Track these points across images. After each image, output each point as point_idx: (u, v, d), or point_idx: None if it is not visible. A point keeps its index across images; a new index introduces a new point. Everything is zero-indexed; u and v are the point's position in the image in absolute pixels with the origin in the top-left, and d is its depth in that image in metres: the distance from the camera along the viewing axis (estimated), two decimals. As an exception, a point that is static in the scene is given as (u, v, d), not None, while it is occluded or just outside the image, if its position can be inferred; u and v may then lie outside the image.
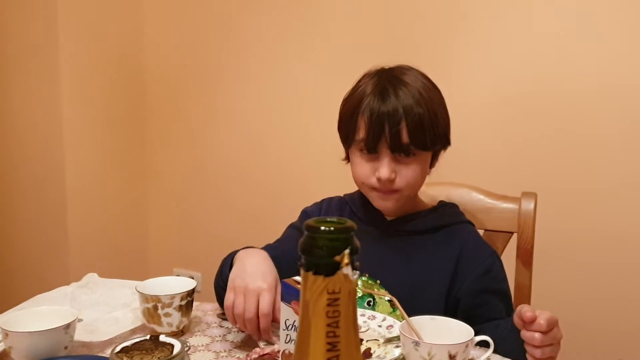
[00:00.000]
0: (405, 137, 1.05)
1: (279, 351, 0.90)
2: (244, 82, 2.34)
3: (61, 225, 2.31)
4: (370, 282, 1.13)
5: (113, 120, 2.43)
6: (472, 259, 1.13)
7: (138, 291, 1.04)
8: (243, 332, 1.04)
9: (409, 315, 1.00)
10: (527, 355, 0.92)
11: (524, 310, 0.91)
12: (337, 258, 0.43)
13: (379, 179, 1.07)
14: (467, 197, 1.37)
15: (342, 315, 0.43)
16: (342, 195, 1.28)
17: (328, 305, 0.43)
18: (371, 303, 1.12)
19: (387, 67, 1.15)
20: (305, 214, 1.26)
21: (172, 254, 2.63)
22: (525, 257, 1.32)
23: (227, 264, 1.11)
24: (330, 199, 1.27)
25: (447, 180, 1.37)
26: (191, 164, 2.51)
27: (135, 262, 2.62)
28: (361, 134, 1.08)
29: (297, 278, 0.86)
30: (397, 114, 1.04)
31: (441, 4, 1.95)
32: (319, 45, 2.16)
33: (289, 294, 0.84)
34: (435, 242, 1.15)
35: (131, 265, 2.59)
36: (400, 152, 1.07)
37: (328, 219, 0.44)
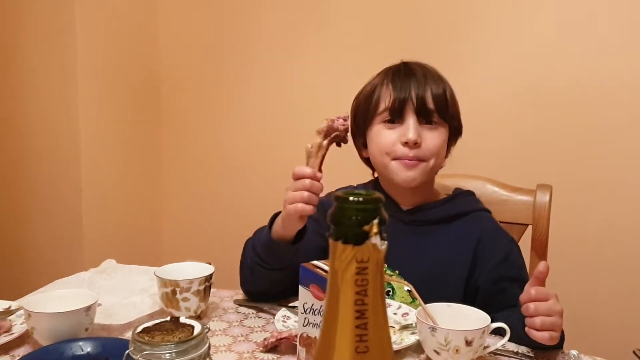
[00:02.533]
0: (430, 103, 1.09)
1: (296, 335, 0.91)
2: (259, 80, 2.34)
3: (76, 220, 2.32)
4: (389, 272, 1.13)
5: (128, 116, 2.45)
6: (490, 246, 1.13)
7: (157, 276, 1.05)
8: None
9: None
10: (527, 329, 0.91)
11: (524, 291, 0.92)
12: (366, 228, 0.44)
13: (405, 143, 1.08)
14: (482, 189, 1.37)
15: (371, 284, 0.44)
16: (354, 185, 1.28)
17: (357, 274, 0.44)
18: (390, 293, 1.12)
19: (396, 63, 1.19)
20: (321, 204, 1.25)
21: (185, 247, 2.64)
22: (539, 249, 1.32)
23: (258, 237, 1.12)
24: (345, 190, 1.28)
25: (462, 173, 1.37)
26: (206, 159, 2.52)
27: (148, 255, 2.63)
28: (385, 103, 1.11)
29: (316, 262, 0.87)
30: (423, 81, 1.10)
31: (451, 3, 1.95)
32: (336, 43, 2.17)
33: (308, 278, 0.85)
34: (453, 231, 1.15)
35: (145, 258, 2.60)
36: (425, 116, 1.10)
37: (356, 191, 0.44)
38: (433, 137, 1.10)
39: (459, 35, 1.96)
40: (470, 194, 1.24)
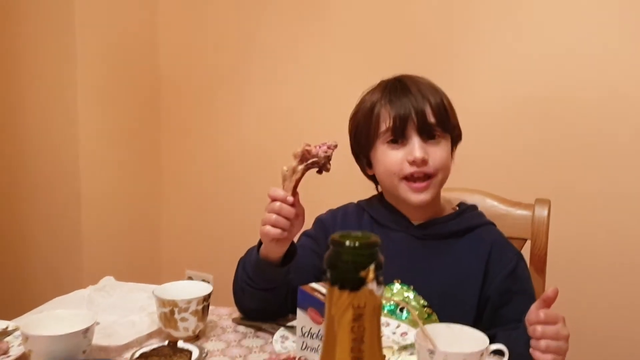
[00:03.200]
0: (430, 117, 1.10)
1: (294, 357, 0.91)
2: (260, 83, 2.34)
3: (75, 227, 2.32)
4: (403, 287, 1.13)
5: (128, 122, 2.45)
6: (499, 259, 1.14)
7: (155, 295, 1.05)
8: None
9: (443, 320, 1.02)
10: (531, 350, 0.91)
11: (529, 311, 0.92)
12: (363, 273, 0.44)
13: (412, 162, 1.09)
14: (482, 203, 1.37)
15: (367, 330, 0.44)
16: (355, 202, 1.28)
17: (353, 320, 0.44)
18: (403, 309, 1.12)
19: (387, 79, 1.19)
20: (320, 222, 1.26)
21: (184, 255, 2.64)
22: (538, 264, 1.32)
23: (248, 257, 1.12)
24: (345, 206, 1.27)
25: (461, 187, 1.37)
26: (205, 166, 2.52)
27: (148, 263, 2.63)
28: (386, 124, 1.11)
29: (314, 285, 0.87)
30: (421, 97, 1.11)
31: (451, 11, 1.95)
32: (335, 49, 2.16)
33: (306, 301, 0.85)
34: (464, 245, 1.15)
35: (144, 266, 2.61)
36: (427, 133, 1.10)
37: (353, 233, 0.44)
38: (438, 152, 1.11)
39: (456, 46, 1.95)
40: (475, 208, 1.24)
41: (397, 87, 1.14)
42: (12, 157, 2.37)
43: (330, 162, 1.03)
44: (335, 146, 1.02)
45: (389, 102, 1.11)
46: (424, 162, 1.09)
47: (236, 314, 1.18)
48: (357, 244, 0.44)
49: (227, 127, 2.44)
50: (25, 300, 2.34)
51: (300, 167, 1.02)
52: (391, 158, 1.11)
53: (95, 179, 2.33)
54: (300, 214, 1.06)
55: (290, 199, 1.02)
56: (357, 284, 0.44)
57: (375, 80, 1.22)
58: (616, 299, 1.79)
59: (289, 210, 1.02)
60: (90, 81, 2.27)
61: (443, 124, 1.12)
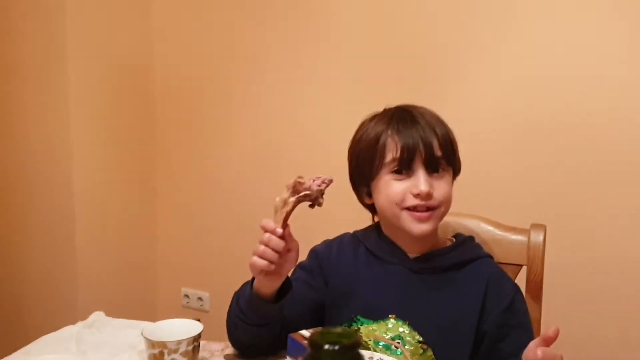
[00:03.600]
0: (437, 151, 1.09)
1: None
2: (255, 96, 2.33)
3: (70, 247, 2.31)
4: (398, 322, 1.11)
5: (121, 136, 2.43)
6: (496, 293, 1.12)
7: (144, 336, 1.03)
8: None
9: (439, 356, 1.03)
10: None
11: (527, 348, 0.90)
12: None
13: (417, 195, 1.08)
14: (477, 229, 1.36)
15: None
16: (351, 232, 1.26)
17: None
18: (400, 342, 1.10)
19: (391, 107, 1.17)
20: (315, 253, 1.24)
21: (180, 273, 2.62)
22: (534, 290, 1.30)
23: (242, 291, 1.11)
24: (341, 237, 1.26)
25: (456, 212, 1.35)
26: (200, 181, 2.50)
27: (144, 281, 2.62)
28: (392, 155, 1.09)
29: (304, 332, 0.86)
30: (428, 130, 1.10)
31: (449, 33, 1.94)
32: (332, 63, 2.15)
33: (296, 349, 0.83)
34: (460, 279, 1.14)
35: (140, 285, 2.59)
36: (433, 166, 1.09)
37: (332, 330, 0.42)
38: (442, 185, 1.10)
39: (451, 71, 1.94)
40: (472, 239, 1.23)
41: (405, 118, 1.12)
42: (1, 179, 2.36)
43: (323, 196, 1.01)
44: (331, 181, 1.01)
45: (397, 133, 1.10)
46: (429, 195, 1.08)
47: (229, 349, 1.17)
48: (337, 347, 0.42)
49: (223, 140, 2.43)
50: (20, 331, 2.34)
51: (292, 199, 1.00)
52: (395, 189, 1.10)
53: (88, 197, 2.31)
54: (292, 249, 1.04)
55: (280, 231, 1.00)
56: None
57: (373, 102, 1.21)
58: (613, 324, 1.77)
59: (278, 243, 1.00)
60: (84, 99, 2.25)
61: (448, 158, 1.11)
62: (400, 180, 1.10)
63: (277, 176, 2.30)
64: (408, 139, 1.08)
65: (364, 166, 1.14)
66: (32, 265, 2.37)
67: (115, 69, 2.37)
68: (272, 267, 1.00)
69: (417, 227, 1.09)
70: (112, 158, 2.41)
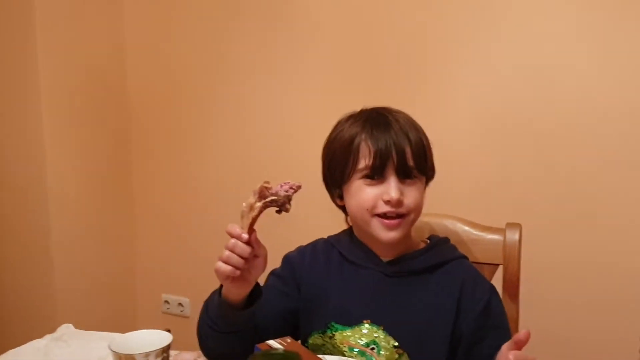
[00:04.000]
0: (410, 160, 1.07)
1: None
2: (231, 102, 2.31)
3: (45, 253, 2.27)
4: (373, 327, 1.09)
5: (96, 143, 2.40)
6: (471, 295, 1.11)
7: (111, 349, 1.00)
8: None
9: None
10: None
11: (500, 352, 0.89)
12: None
13: (388, 202, 1.06)
14: (452, 229, 1.35)
15: None
16: (325, 237, 1.24)
17: None
18: (374, 349, 1.08)
19: (367, 108, 1.15)
20: (288, 260, 1.22)
21: (160, 279, 2.59)
22: (511, 289, 1.29)
23: (211, 299, 1.09)
24: (314, 243, 1.24)
25: (431, 212, 1.34)
26: (179, 186, 2.47)
27: (124, 288, 2.58)
28: (365, 161, 1.07)
29: (271, 342, 0.84)
30: (402, 136, 1.08)
31: (425, 35, 1.92)
32: (311, 67, 2.13)
33: None
34: (434, 281, 1.12)
35: (119, 291, 2.56)
36: (404, 173, 1.08)
37: (273, 352, 0.40)
38: (413, 193, 1.09)
39: (427, 72, 1.93)
40: (447, 241, 1.21)
41: (380, 122, 1.09)
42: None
43: (291, 202, 0.99)
44: (299, 187, 0.99)
45: (371, 137, 1.07)
46: (399, 202, 1.06)
47: (201, 358, 1.14)
48: None
49: (200, 147, 2.40)
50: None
51: (258, 204, 0.98)
52: (366, 194, 1.08)
53: (64, 205, 2.28)
54: (260, 255, 1.02)
55: (245, 236, 0.98)
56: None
57: (352, 106, 1.18)
58: (590, 321, 1.77)
59: (243, 248, 0.98)
60: (56, 106, 2.22)
61: (420, 166, 1.09)
62: (371, 185, 1.08)
63: (256, 181, 2.27)
64: (381, 145, 1.06)
65: (336, 168, 1.12)
66: (7, 278, 2.33)
67: (87, 73, 2.33)
68: (238, 272, 0.98)
69: (387, 234, 1.08)
70: (88, 165, 2.37)
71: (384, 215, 1.07)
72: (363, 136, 1.08)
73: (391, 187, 1.06)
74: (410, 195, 1.08)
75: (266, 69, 2.21)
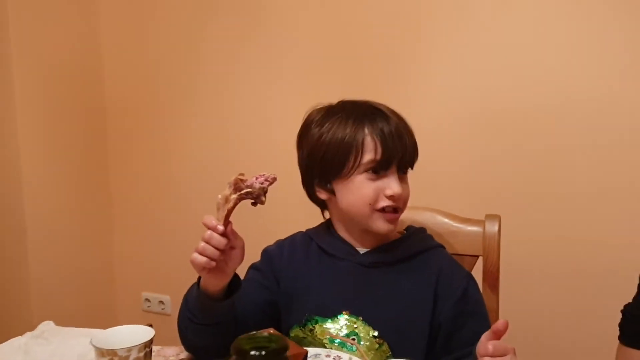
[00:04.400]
0: (411, 155, 1.11)
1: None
2: (208, 98, 2.30)
3: (21, 252, 2.24)
4: (352, 319, 1.10)
5: (72, 140, 2.37)
6: (448, 284, 1.12)
7: (93, 345, 0.99)
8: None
9: (395, 349, 1.04)
10: None
11: (479, 342, 0.90)
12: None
13: (391, 196, 1.08)
14: (432, 221, 1.36)
15: None
16: (304, 230, 1.24)
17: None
18: (355, 339, 1.09)
19: (348, 101, 1.15)
20: (266, 253, 1.22)
21: (140, 277, 2.57)
22: (491, 280, 1.31)
23: (190, 292, 1.10)
24: (293, 236, 1.24)
25: (411, 205, 1.35)
26: (156, 185, 2.46)
27: (103, 287, 2.56)
28: (370, 155, 1.07)
29: (253, 333, 0.84)
30: (403, 132, 1.10)
31: (403, 28, 1.93)
32: (287, 62, 2.13)
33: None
34: (411, 271, 1.13)
35: (98, 290, 2.53)
36: (403, 169, 1.11)
37: (258, 335, 0.41)
38: (406, 187, 1.12)
39: (405, 66, 1.94)
40: (423, 230, 1.23)
41: (379, 117, 1.09)
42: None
43: (266, 195, 0.99)
44: (274, 179, 0.99)
45: (376, 132, 1.07)
46: (400, 197, 1.09)
47: (183, 353, 1.14)
48: (263, 353, 0.40)
49: (178, 143, 2.39)
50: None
51: (233, 196, 0.98)
52: (369, 189, 1.08)
53: (40, 204, 2.25)
54: (236, 246, 1.02)
55: (221, 228, 0.98)
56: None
57: (326, 97, 1.19)
58: (569, 310, 1.80)
59: (219, 240, 0.98)
60: (30, 104, 2.19)
61: (413, 162, 1.13)
62: (374, 180, 1.09)
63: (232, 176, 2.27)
64: (389, 140, 1.07)
65: (332, 164, 1.10)
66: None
67: (62, 69, 2.30)
68: (213, 264, 0.99)
69: (387, 226, 1.10)
70: (64, 163, 2.34)
71: (382, 210, 1.09)
72: (367, 131, 1.08)
73: (394, 182, 1.08)
74: (405, 190, 1.11)
75: (243, 64, 2.21)
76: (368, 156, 1.07)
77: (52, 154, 2.29)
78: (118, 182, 2.54)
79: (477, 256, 1.33)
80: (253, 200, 0.98)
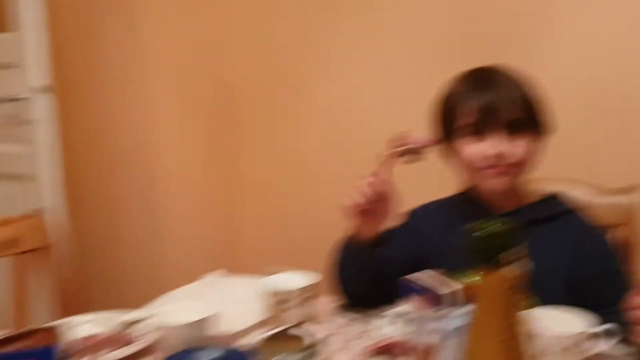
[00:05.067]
0: (514, 114, 1.11)
1: (399, 342, 0.95)
2: (331, 84, 2.35)
3: (155, 230, 2.43)
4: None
5: (204, 127, 2.53)
6: (588, 245, 1.14)
7: (262, 287, 1.11)
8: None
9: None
10: (632, 335, 0.90)
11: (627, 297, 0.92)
12: (502, 256, 0.48)
13: (490, 158, 1.11)
14: (571, 192, 1.37)
15: (509, 303, 0.48)
16: (448, 196, 1.29)
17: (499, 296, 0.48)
18: None
19: (475, 67, 1.20)
20: (411, 214, 1.30)
21: (265, 255, 2.67)
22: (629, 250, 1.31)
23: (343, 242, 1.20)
24: (438, 201, 1.30)
25: (549, 176, 1.37)
26: (284, 164, 2.52)
27: (229, 264, 2.69)
28: (468, 117, 1.12)
29: (411, 277, 0.92)
30: (505, 91, 1.12)
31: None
32: (403, 48, 2.17)
33: (407, 290, 0.90)
34: (551, 232, 1.16)
35: (225, 263, 2.66)
36: (510, 128, 1.11)
37: (489, 221, 0.48)
38: (518, 147, 1.13)
39: (538, 29, 1.92)
40: (562, 194, 1.24)
41: (484, 80, 1.15)
42: (102, 163, 2.51)
43: (425, 153, 1.07)
44: (436, 142, 1.07)
45: (474, 96, 1.13)
46: (500, 157, 1.11)
47: (341, 301, 1.23)
48: (496, 228, 0.48)
49: (303, 127, 2.46)
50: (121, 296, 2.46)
51: (395, 152, 1.07)
52: (470, 151, 1.13)
53: (172, 182, 2.42)
54: (390, 196, 1.11)
55: (381, 173, 1.08)
56: (496, 266, 0.48)
57: (446, 70, 1.23)
58: None
59: (377, 183, 1.08)
60: (164, 94, 2.38)
61: (527, 120, 1.13)
62: (475, 142, 1.13)
63: (356, 158, 2.32)
64: (483, 102, 1.11)
65: (442, 126, 1.18)
66: (125, 255, 2.50)
67: (193, 68, 2.47)
68: (367, 205, 1.09)
69: (495, 182, 1.14)
70: (196, 144, 2.50)
71: (487, 167, 1.13)
72: (465, 94, 1.14)
73: (493, 143, 1.11)
74: (516, 149, 1.12)
75: (366, 46, 2.25)
76: (465, 119, 1.13)
77: (186, 134, 2.47)
78: (247, 166, 2.63)
79: (619, 226, 1.33)
80: (413, 156, 1.06)
